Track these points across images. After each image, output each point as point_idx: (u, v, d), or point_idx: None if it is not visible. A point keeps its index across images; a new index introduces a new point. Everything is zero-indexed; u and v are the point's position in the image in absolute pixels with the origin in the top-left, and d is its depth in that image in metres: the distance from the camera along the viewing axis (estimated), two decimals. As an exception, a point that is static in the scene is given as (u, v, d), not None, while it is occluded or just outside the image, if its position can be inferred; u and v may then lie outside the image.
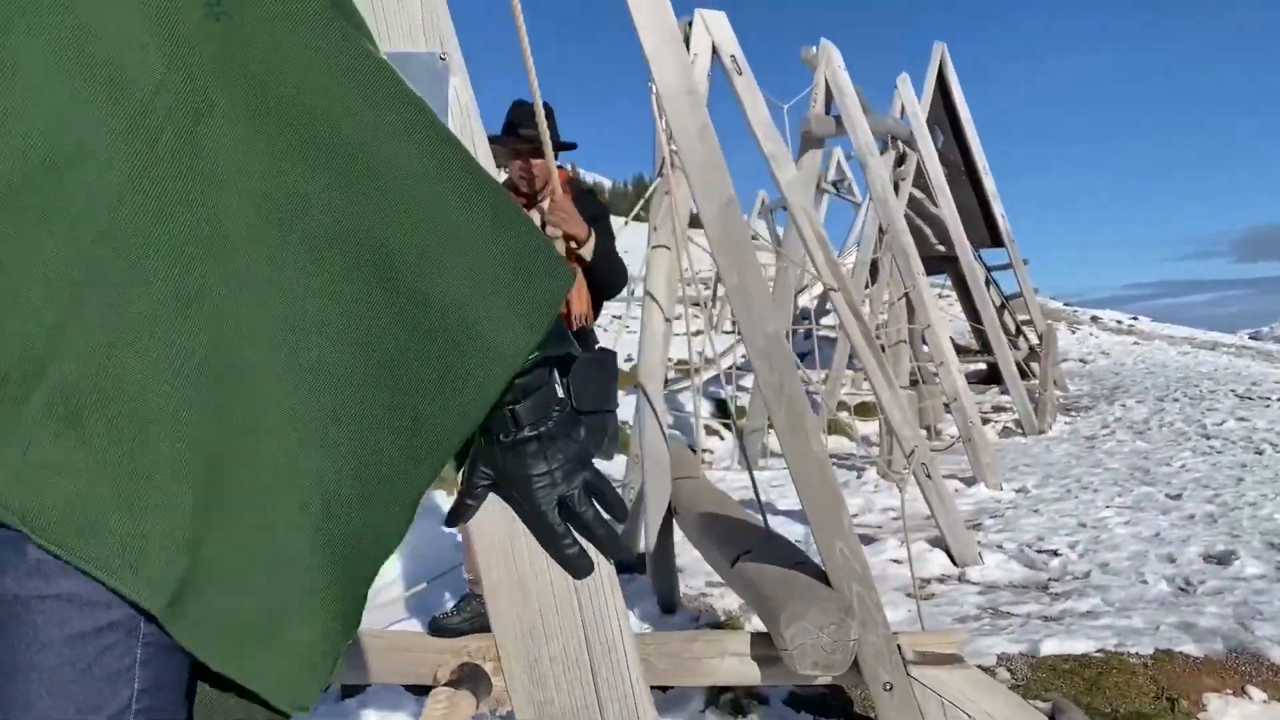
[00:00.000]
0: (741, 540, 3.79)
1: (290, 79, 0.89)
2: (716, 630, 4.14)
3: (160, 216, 0.83)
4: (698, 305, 22.32)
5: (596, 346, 3.60)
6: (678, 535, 4.69)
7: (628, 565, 5.50)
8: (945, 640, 3.33)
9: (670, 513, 4.73)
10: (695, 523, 4.27)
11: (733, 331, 14.58)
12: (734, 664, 3.27)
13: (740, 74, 5.68)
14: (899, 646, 3.24)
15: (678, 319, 5.29)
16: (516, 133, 3.44)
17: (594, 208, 3.46)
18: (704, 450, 10.79)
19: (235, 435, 0.86)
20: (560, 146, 3.53)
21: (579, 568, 1.01)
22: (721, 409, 11.68)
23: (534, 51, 2.89)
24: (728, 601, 4.84)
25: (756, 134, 5.76)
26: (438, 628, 3.31)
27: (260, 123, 0.88)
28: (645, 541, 4.85)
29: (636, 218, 8.02)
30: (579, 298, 3.39)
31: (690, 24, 5.73)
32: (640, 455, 5.07)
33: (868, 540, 6.11)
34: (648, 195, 6.14)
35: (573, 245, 3.34)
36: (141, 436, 0.83)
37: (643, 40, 3.14)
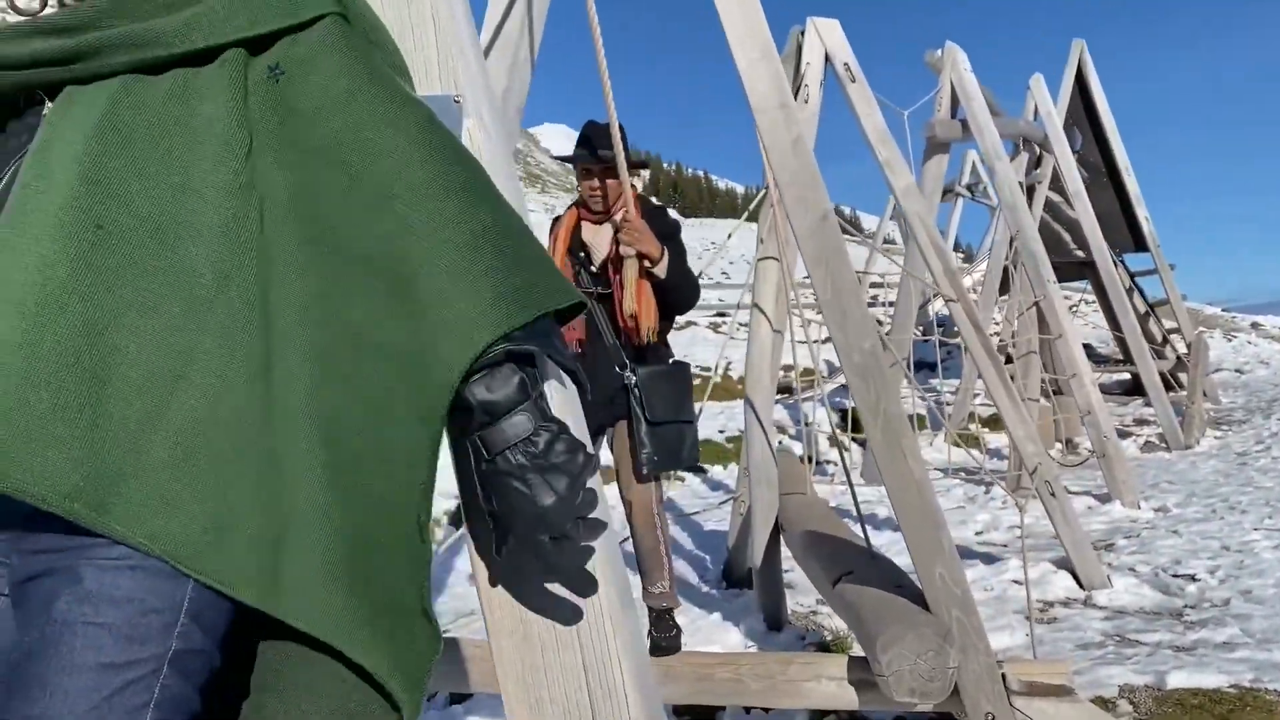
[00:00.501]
0: (844, 560, 3.70)
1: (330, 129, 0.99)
2: (814, 652, 4.05)
3: (251, 302, 0.96)
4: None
5: (670, 360, 3.59)
6: (786, 551, 4.63)
7: (735, 580, 5.45)
8: (1055, 670, 3.17)
9: (777, 528, 4.67)
10: (799, 540, 4.20)
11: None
12: (830, 688, 3.20)
13: (854, 81, 5.58)
14: (1003, 675, 3.11)
15: (801, 326, 5.21)
16: (588, 153, 3.47)
17: (666, 225, 3.46)
18: (827, 462, 10.63)
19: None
20: (633, 166, 3.53)
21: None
22: (846, 420, 11.48)
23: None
24: (837, 621, 4.74)
25: (871, 141, 5.65)
26: None
27: (300, 164, 0.98)
28: (752, 557, 4.79)
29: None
30: (648, 313, 3.38)
31: (803, 32, 5.66)
32: (748, 469, 5.03)
33: (990, 559, 5.90)
34: (754, 206, 6.09)
35: (646, 264, 3.34)
36: (230, 475, 0.89)
37: (735, 53, 3.11)
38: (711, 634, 4.53)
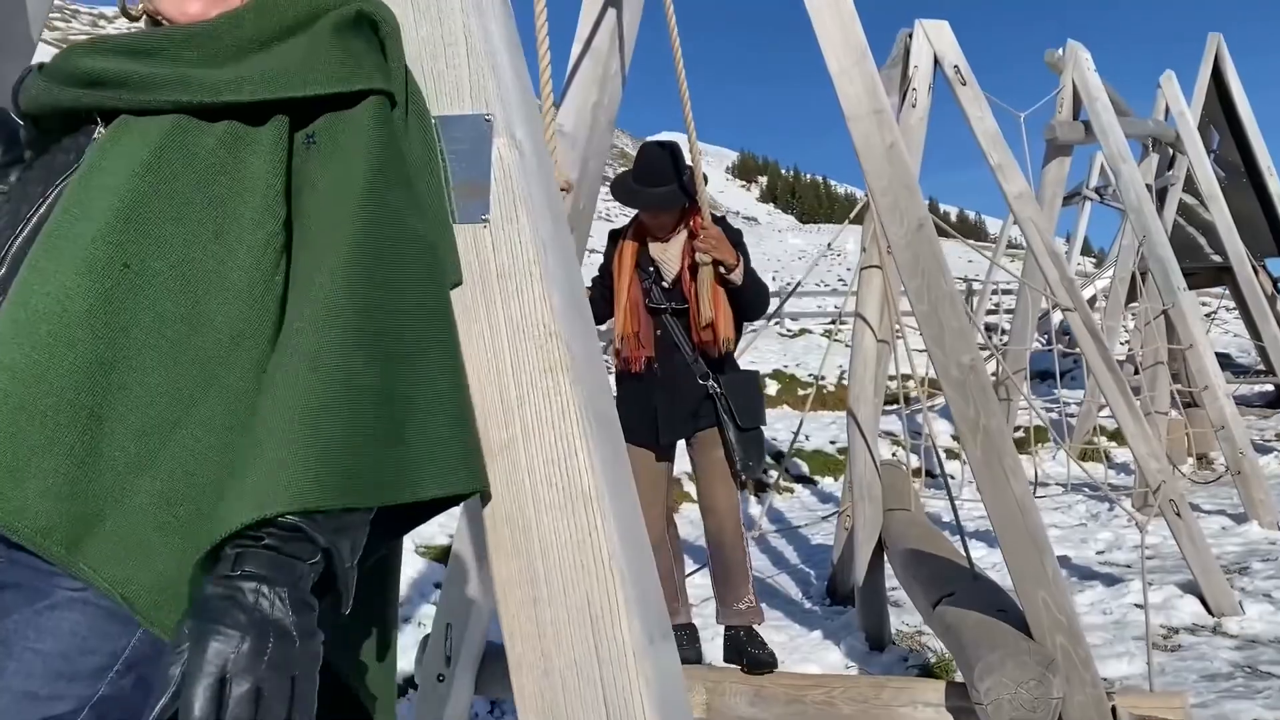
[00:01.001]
0: (945, 580, 3.57)
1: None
2: (910, 677, 3.92)
3: (258, 366, 0.97)
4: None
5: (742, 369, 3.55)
6: (889, 568, 4.50)
7: (840, 597, 5.33)
8: (1170, 703, 2.99)
9: (881, 545, 4.54)
10: (901, 558, 4.08)
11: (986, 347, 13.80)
12: (927, 714, 3.08)
13: (964, 84, 5.41)
14: (1114, 708, 2.95)
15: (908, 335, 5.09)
16: (645, 184, 3.42)
17: (732, 234, 3.45)
18: (941, 475, 10.31)
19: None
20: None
21: None
22: (963, 432, 11.15)
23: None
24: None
25: (983, 145, 5.47)
26: None
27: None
28: (855, 575, 4.67)
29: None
30: (726, 323, 3.36)
31: (911, 35, 5.51)
32: (851, 484, 4.91)
33: (1111, 580, 5.62)
34: (855, 213, 5.96)
35: (722, 270, 3.31)
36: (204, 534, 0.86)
37: (827, 59, 3.04)
38: (811, 652, 4.42)
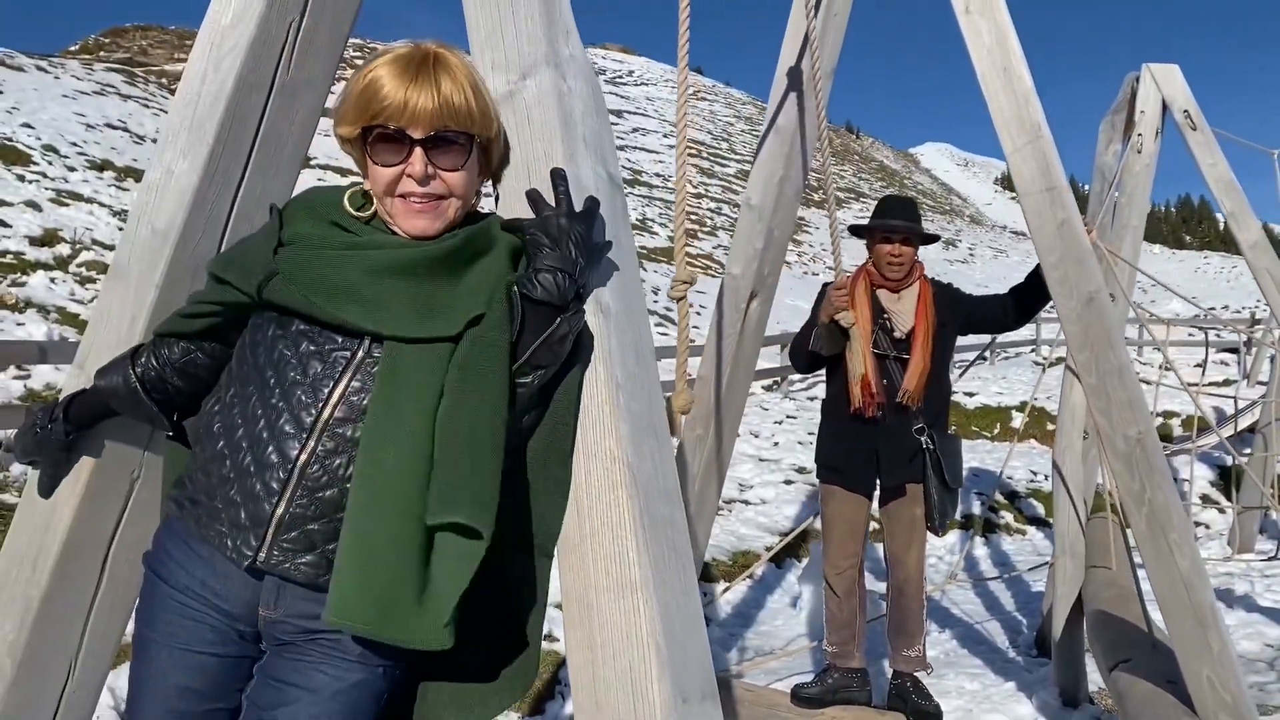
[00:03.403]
0: (1124, 645, 3.59)
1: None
2: None
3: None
4: (1231, 351, 19.64)
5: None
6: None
7: (1046, 649, 5.27)
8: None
9: (1080, 601, 4.51)
10: (1091, 618, 4.07)
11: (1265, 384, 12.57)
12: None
13: (1194, 129, 5.25)
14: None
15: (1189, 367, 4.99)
16: (888, 222, 3.64)
17: (954, 294, 3.74)
18: (1196, 524, 9.70)
19: None
20: (925, 239, 3.68)
21: None
22: (1225, 477, 10.41)
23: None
24: (1146, 705, 4.48)
25: (1214, 192, 5.29)
26: (796, 695, 3.54)
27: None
28: (1053, 629, 4.65)
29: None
30: (919, 378, 3.57)
31: (1138, 79, 5.39)
32: (1055, 537, 4.88)
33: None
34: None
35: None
36: None
37: (1000, 137, 3.17)
38: (1002, 703, 4.46)
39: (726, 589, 6.20)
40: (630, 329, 1.46)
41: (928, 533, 3.64)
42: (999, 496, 9.46)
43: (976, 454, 11.27)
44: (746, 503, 8.49)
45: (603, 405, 1.36)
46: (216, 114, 1.66)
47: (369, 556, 1.26)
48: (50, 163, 20.79)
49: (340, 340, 1.38)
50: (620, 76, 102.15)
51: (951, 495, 3.59)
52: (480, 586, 1.27)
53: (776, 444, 10.74)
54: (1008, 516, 9.29)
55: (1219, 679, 2.88)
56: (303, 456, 1.34)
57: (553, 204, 1.40)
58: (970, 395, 15.17)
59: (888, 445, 3.58)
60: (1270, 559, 7.60)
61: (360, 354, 1.37)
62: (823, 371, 3.76)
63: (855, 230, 3.76)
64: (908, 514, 3.61)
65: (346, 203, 1.47)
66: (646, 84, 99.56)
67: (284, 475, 1.34)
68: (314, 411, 1.35)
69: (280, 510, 1.34)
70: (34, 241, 14.75)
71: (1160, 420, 14.67)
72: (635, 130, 66.20)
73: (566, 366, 1.38)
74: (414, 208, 1.41)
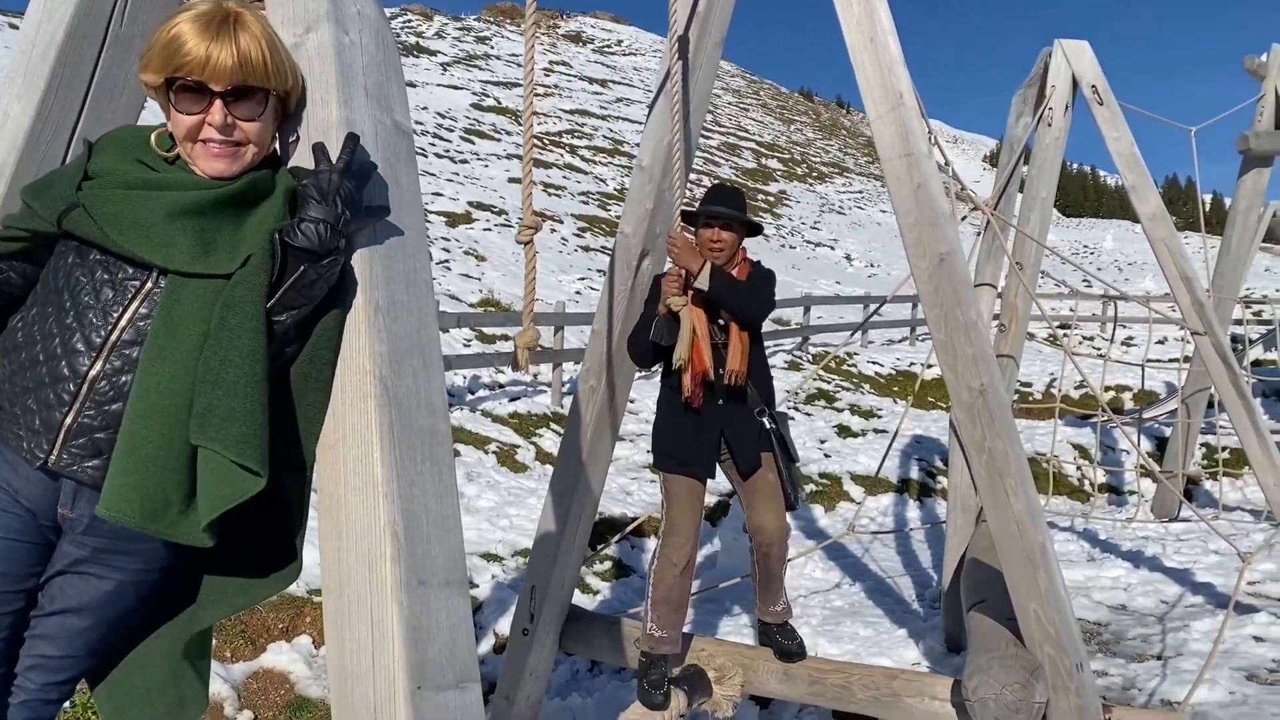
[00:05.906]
0: (983, 588, 3.80)
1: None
2: (923, 671, 4.13)
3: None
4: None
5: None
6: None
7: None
8: (1165, 719, 3.12)
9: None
10: (967, 566, 4.29)
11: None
12: (933, 707, 3.35)
13: (1101, 104, 5.43)
14: (1108, 719, 3.13)
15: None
16: (710, 208, 3.69)
17: (757, 274, 3.71)
18: (1129, 493, 9.98)
19: None
20: (749, 229, 3.77)
21: None
22: (1163, 448, 10.67)
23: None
24: (1027, 651, 4.72)
25: (1118, 165, 5.48)
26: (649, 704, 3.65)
27: None
28: (944, 580, 4.88)
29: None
30: (740, 357, 3.59)
31: (1050, 54, 5.57)
32: (949, 492, 5.10)
33: (1246, 609, 5.49)
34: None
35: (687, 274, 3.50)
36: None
37: (865, 104, 3.34)
38: (890, 648, 4.69)
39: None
40: (403, 259, 1.63)
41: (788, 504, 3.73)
42: (939, 462, 9.71)
43: (924, 423, 11.51)
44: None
45: (360, 325, 1.54)
46: (49, 61, 1.81)
47: (140, 459, 1.44)
48: None
49: (132, 270, 1.54)
50: (608, 46, 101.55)
51: (793, 470, 3.71)
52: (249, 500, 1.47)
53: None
54: (944, 481, 9.53)
55: (1044, 613, 3.10)
56: (92, 372, 1.51)
57: (332, 160, 1.57)
58: (929, 367, 15.39)
59: (733, 428, 3.64)
60: (1128, 522, 8.16)
61: (149, 284, 1.54)
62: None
63: (685, 216, 3.74)
64: (764, 482, 3.66)
65: (154, 142, 1.63)
66: (634, 54, 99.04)
67: (74, 388, 1.51)
68: (103, 333, 1.52)
69: (69, 420, 1.51)
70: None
71: (1112, 394, 15.01)
72: (619, 100, 65.83)
73: (328, 305, 1.55)
74: (213, 151, 1.58)
